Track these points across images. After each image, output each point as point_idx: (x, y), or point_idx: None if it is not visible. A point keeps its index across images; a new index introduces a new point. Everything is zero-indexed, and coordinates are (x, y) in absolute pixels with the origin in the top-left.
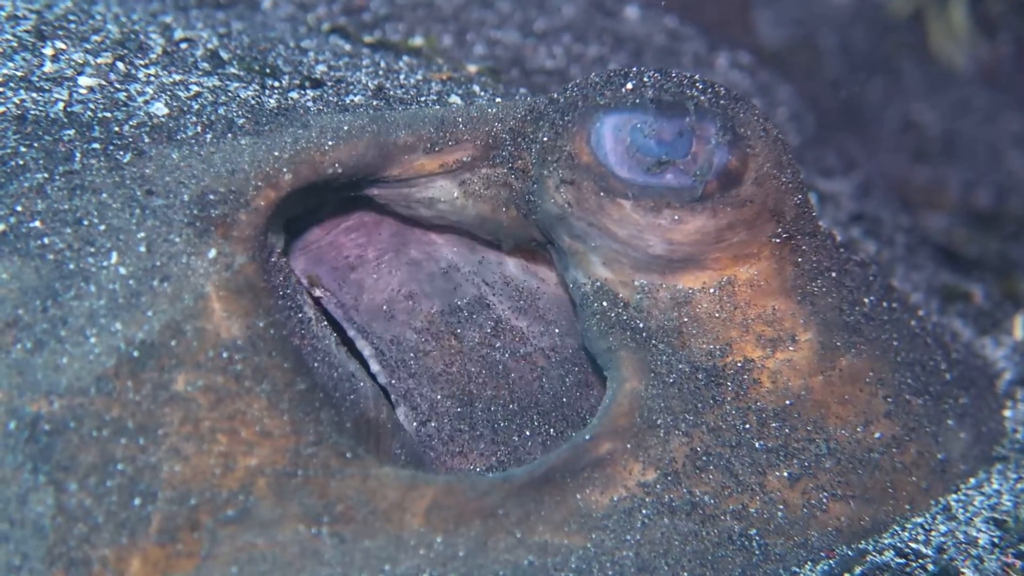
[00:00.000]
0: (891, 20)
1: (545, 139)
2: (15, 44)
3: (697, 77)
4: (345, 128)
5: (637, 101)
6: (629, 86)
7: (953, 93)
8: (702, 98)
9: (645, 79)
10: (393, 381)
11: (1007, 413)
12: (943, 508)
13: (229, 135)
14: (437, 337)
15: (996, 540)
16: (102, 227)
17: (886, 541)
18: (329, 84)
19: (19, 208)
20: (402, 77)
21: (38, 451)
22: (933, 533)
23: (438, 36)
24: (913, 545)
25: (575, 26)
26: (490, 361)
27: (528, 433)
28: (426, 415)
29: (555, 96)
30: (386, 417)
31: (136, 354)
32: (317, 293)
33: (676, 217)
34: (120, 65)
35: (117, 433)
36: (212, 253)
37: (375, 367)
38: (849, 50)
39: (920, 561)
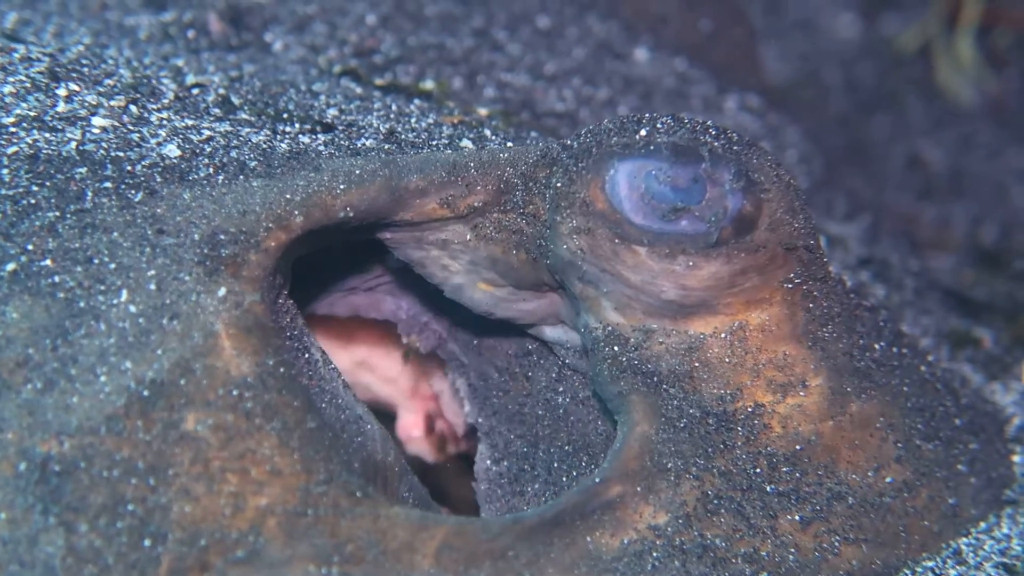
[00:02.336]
0: (898, 55)
1: (559, 185)
2: (29, 85)
3: (710, 123)
4: (357, 172)
5: (651, 148)
6: (643, 132)
7: (958, 128)
8: (716, 144)
9: (658, 125)
10: (481, 418)
11: (1016, 459)
12: (954, 552)
13: (241, 177)
14: (514, 377)
15: None
16: (113, 265)
17: None
18: (340, 128)
19: (30, 247)
20: (413, 121)
21: (48, 492)
22: None
23: (449, 79)
24: None
25: (585, 69)
26: (553, 404)
27: (576, 474)
28: (501, 454)
29: (568, 142)
30: (393, 460)
31: (146, 393)
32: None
33: (691, 263)
34: (133, 108)
35: (127, 473)
36: (222, 292)
37: (467, 407)
38: (855, 86)
39: None
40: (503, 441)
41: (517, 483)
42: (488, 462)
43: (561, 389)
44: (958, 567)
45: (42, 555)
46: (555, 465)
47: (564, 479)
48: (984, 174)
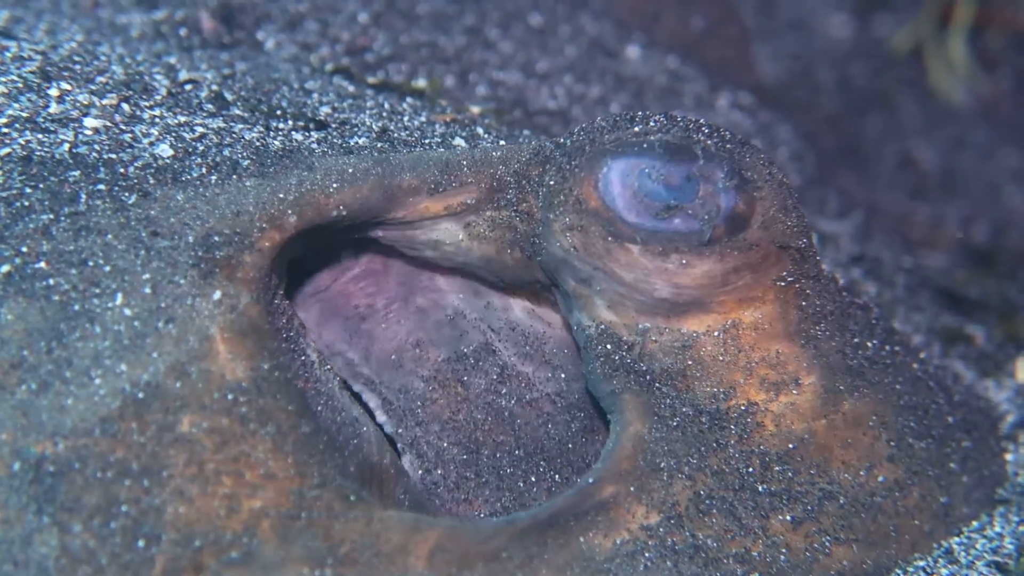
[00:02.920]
0: (890, 55)
1: (552, 183)
2: (21, 85)
3: (703, 121)
4: (350, 171)
5: (645, 146)
6: (636, 130)
7: (951, 129)
8: (709, 142)
9: (652, 123)
10: (400, 430)
11: (1009, 456)
12: (945, 552)
13: (234, 177)
14: (444, 385)
15: None
16: (107, 268)
17: None
18: (333, 126)
19: (24, 249)
20: (406, 119)
21: (42, 492)
22: None
23: (441, 77)
24: None
25: (577, 66)
26: (496, 408)
27: (533, 479)
28: (432, 463)
29: (561, 140)
30: (389, 462)
31: (141, 396)
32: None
33: (684, 261)
34: (125, 106)
35: (121, 475)
36: (217, 295)
37: (381, 417)
38: (848, 85)
39: None
40: (432, 450)
41: (459, 490)
42: (419, 472)
43: (504, 391)
44: (950, 566)
45: (36, 555)
46: (506, 470)
47: (520, 484)
48: (976, 174)
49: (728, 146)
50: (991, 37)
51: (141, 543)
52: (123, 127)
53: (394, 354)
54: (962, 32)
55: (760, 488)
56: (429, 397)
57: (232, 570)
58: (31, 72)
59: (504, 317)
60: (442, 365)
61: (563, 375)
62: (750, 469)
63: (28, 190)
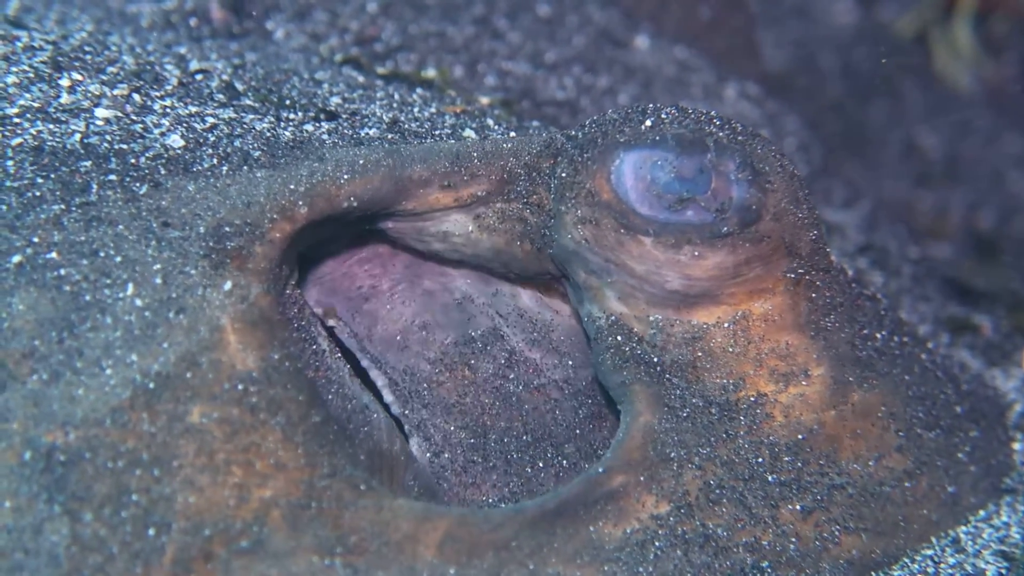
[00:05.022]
0: (894, 41)
1: (564, 175)
2: (32, 75)
3: (714, 113)
4: (360, 162)
5: (657, 138)
6: (648, 123)
7: (955, 115)
8: (721, 134)
9: (663, 116)
10: (406, 412)
11: (1016, 446)
12: (952, 540)
13: (245, 167)
14: (451, 368)
15: (1003, 572)
16: (118, 259)
17: (896, 573)
18: (344, 117)
19: (36, 239)
20: (416, 110)
21: (53, 481)
22: (942, 565)
23: (450, 67)
24: None
25: (585, 57)
26: (504, 392)
27: (541, 464)
28: (440, 446)
29: (573, 132)
30: (399, 449)
31: (151, 386)
32: (331, 323)
33: (696, 253)
34: (136, 97)
35: (132, 464)
36: (228, 285)
37: (388, 397)
38: (852, 72)
39: None
40: (440, 433)
41: (466, 474)
42: (428, 455)
43: (512, 376)
44: (957, 555)
45: (47, 544)
46: (514, 455)
47: (528, 470)
48: (981, 160)
49: (740, 138)
50: (996, 22)
51: (151, 532)
52: (134, 117)
53: (399, 335)
54: (967, 17)
55: (770, 478)
56: (436, 380)
57: (242, 559)
58: (42, 62)
59: (512, 303)
60: (449, 348)
61: (570, 362)
62: (760, 459)
63: (40, 180)
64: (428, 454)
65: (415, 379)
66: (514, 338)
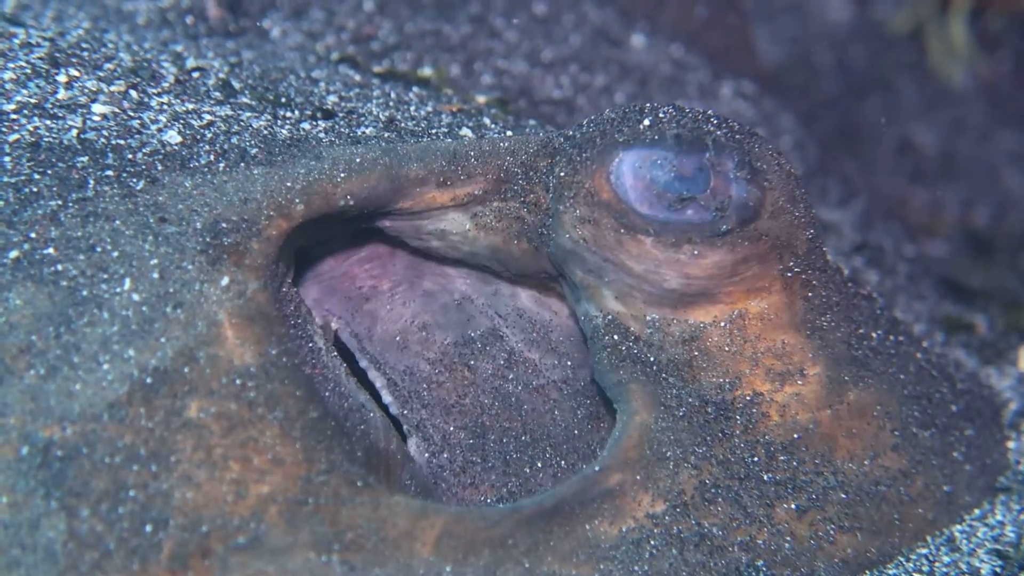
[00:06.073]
0: (890, 37)
1: (562, 175)
2: (29, 71)
3: (711, 112)
4: (357, 160)
5: (656, 137)
6: (646, 122)
7: (950, 111)
8: (719, 133)
9: (661, 115)
10: (405, 412)
11: (1011, 445)
12: (947, 539)
13: (242, 164)
14: (450, 368)
15: (998, 570)
16: (115, 254)
17: (891, 572)
18: (341, 115)
19: (33, 235)
20: (412, 109)
21: (50, 477)
22: (937, 564)
23: (446, 66)
24: None
25: (581, 56)
26: (503, 393)
27: (539, 464)
28: (439, 446)
29: (570, 132)
30: (396, 448)
31: (149, 381)
32: (334, 325)
33: (696, 252)
34: (133, 93)
35: (129, 459)
36: (225, 280)
37: (387, 398)
38: (847, 68)
39: None
40: (439, 433)
41: (465, 475)
42: (426, 455)
43: (511, 376)
44: (952, 554)
45: (43, 539)
46: (512, 456)
47: (527, 470)
48: (975, 157)
49: (737, 136)
50: (991, 18)
51: (149, 528)
52: (131, 113)
53: (399, 336)
54: (962, 13)
55: (765, 477)
56: (435, 380)
57: (239, 555)
58: (39, 59)
59: (511, 304)
60: (448, 348)
61: (569, 362)
62: (755, 458)
63: (36, 176)
64: (427, 454)
65: (415, 379)
66: (513, 338)
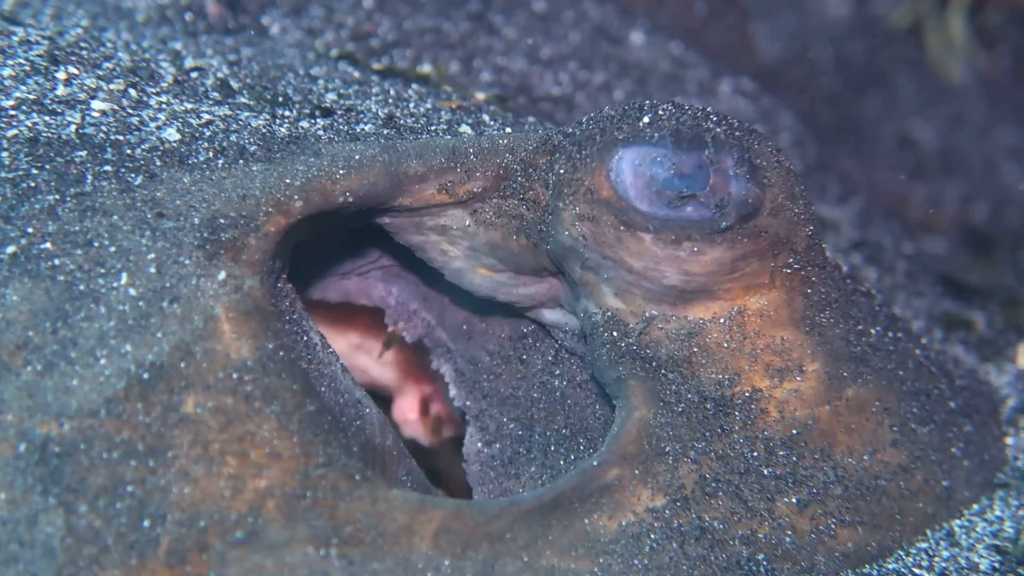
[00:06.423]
0: (888, 32)
1: (562, 172)
2: (28, 68)
3: (711, 109)
4: (356, 157)
5: (655, 135)
6: (646, 120)
7: (948, 107)
8: (718, 130)
9: (660, 112)
10: (468, 402)
11: (1009, 440)
12: (947, 534)
13: (240, 161)
14: (507, 360)
15: (996, 565)
16: (112, 249)
17: (890, 566)
18: (339, 113)
19: (30, 229)
20: (412, 106)
21: (48, 473)
22: (936, 559)
23: (446, 63)
24: (916, 570)
25: (580, 53)
26: (549, 388)
27: (573, 457)
28: (493, 436)
29: (570, 129)
30: (391, 443)
31: (146, 376)
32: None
33: (695, 249)
34: (132, 92)
35: (127, 455)
36: (222, 275)
37: (452, 391)
38: (845, 64)
39: None
40: (494, 424)
41: (512, 465)
42: (479, 444)
43: (558, 372)
44: (951, 549)
45: (41, 535)
46: (551, 448)
47: (561, 462)
48: (975, 152)
49: (737, 134)
50: (990, 14)
51: (146, 523)
52: (130, 111)
53: (464, 324)
54: (961, 9)
55: (765, 472)
56: (494, 371)
57: (237, 550)
58: (38, 56)
59: None
60: (505, 341)
61: None
62: (755, 454)
63: (34, 171)
64: (480, 443)
65: (477, 369)
66: (560, 334)
